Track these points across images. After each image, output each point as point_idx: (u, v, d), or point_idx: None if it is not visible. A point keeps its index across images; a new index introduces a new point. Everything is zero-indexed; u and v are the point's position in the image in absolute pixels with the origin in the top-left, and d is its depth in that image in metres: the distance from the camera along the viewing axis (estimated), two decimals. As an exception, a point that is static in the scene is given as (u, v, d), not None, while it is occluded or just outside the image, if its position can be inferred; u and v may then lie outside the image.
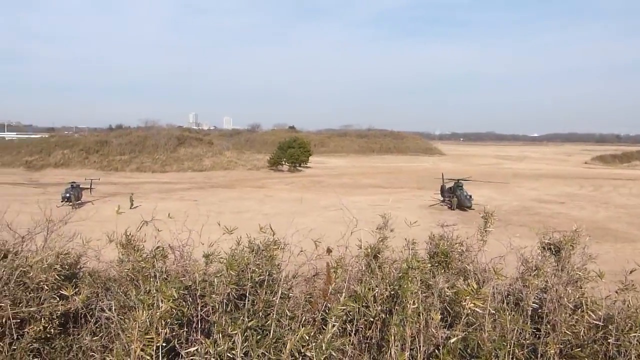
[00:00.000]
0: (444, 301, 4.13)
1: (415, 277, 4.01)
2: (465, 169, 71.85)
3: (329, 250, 4.51)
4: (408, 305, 3.79)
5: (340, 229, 4.74)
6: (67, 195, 37.16)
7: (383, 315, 4.00)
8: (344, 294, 3.95)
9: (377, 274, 4.24)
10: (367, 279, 4.25)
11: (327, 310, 3.91)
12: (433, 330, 3.85)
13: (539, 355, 3.87)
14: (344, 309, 3.74)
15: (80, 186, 40.32)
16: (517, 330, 3.85)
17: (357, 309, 3.91)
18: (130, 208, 33.16)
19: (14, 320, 3.88)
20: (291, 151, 72.28)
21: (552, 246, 4.50)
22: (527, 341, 3.90)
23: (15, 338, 3.86)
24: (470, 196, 38.33)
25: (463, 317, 3.79)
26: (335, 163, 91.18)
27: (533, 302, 4.09)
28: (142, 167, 68.87)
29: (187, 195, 44.35)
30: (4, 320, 3.87)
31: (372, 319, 3.93)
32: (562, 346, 3.90)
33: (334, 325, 3.51)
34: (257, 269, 4.19)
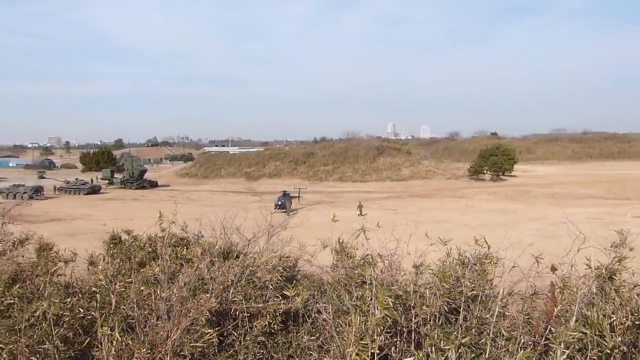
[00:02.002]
0: None
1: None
2: None
3: (553, 269, 4.06)
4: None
5: (552, 243, 4.26)
6: (280, 202, 41.08)
7: (624, 348, 3.44)
8: (573, 319, 3.51)
9: (614, 299, 3.67)
10: (601, 303, 3.72)
11: (550, 335, 3.52)
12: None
13: None
14: (573, 336, 3.32)
15: (290, 195, 44.25)
16: None
17: (590, 338, 3.43)
18: (359, 215, 34.97)
19: (246, 314, 4.35)
20: (493, 159, 68.67)
21: None
22: None
23: (246, 330, 4.32)
24: None
25: None
26: (543, 171, 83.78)
27: None
28: (344, 176, 72.50)
29: (385, 205, 45.24)
30: (237, 313, 4.37)
31: (608, 351, 3.41)
32: None
33: (563, 352, 3.13)
34: (469, 283, 3.99)
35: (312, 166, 76.93)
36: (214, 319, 4.24)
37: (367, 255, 4.72)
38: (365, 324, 3.37)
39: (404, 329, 3.92)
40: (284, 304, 4.42)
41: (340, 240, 4.68)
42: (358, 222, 5.32)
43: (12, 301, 4.59)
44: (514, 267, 4.37)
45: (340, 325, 3.81)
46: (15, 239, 6.24)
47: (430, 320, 3.89)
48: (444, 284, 3.82)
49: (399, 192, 58.54)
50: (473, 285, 4.03)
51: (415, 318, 3.92)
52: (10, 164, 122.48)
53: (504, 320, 3.92)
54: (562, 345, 3.19)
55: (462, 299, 3.89)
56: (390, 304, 3.40)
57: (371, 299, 3.63)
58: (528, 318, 3.98)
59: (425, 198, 51.08)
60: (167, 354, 3.79)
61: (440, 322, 3.90)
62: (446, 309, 3.93)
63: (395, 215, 34.91)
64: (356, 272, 4.31)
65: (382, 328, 3.39)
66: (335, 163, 76.67)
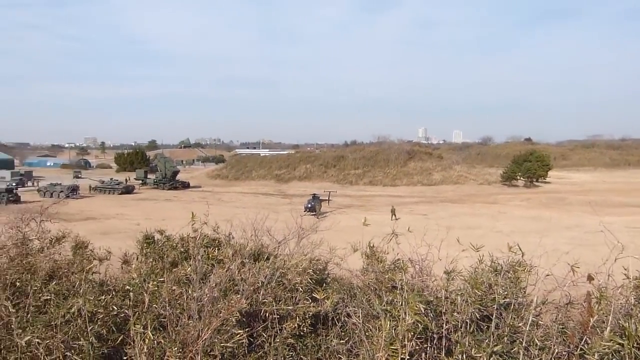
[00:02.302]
0: None
1: None
2: None
3: (590, 278, 3.95)
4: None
5: (587, 252, 4.15)
6: (309, 205, 41.21)
7: (663, 362, 3.32)
8: (607, 329, 3.41)
9: (654, 311, 3.55)
10: (639, 315, 3.60)
11: (585, 346, 3.43)
12: None
13: None
14: (609, 347, 3.22)
15: (320, 198, 44.32)
16: None
17: (627, 350, 3.33)
18: (391, 220, 34.80)
19: (276, 316, 4.37)
20: (527, 165, 67.26)
21: None
22: None
23: (276, 332, 4.34)
24: None
25: None
26: (579, 178, 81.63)
27: None
28: (374, 180, 72.21)
29: (416, 209, 44.86)
30: (267, 315, 4.40)
31: (647, 364, 3.30)
32: None
33: (597, 364, 3.05)
34: (502, 291, 3.92)
35: (342, 169, 76.86)
36: (244, 319, 4.28)
37: (398, 259, 4.69)
38: (395, 329, 3.35)
39: (435, 335, 3.88)
40: (313, 306, 4.43)
41: (371, 244, 4.66)
42: (389, 226, 5.29)
43: (48, 297, 4.73)
44: (548, 275, 4.28)
45: (370, 330, 3.80)
46: (52, 237, 6.44)
47: (461, 327, 3.83)
48: (476, 291, 3.76)
49: (430, 197, 57.95)
50: (506, 292, 3.96)
51: (446, 324, 3.87)
52: (48, 164, 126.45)
53: (537, 329, 3.83)
54: (597, 357, 3.10)
55: (495, 306, 3.83)
56: (422, 309, 3.37)
57: (402, 304, 3.60)
58: (562, 328, 3.88)
59: (456, 203, 50.43)
60: (197, 353, 3.84)
61: (471, 329, 3.84)
62: (478, 316, 3.87)
63: (426, 220, 34.58)
64: (386, 276, 4.29)
65: (412, 334, 3.36)
66: (366, 167, 76.42)
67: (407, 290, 3.89)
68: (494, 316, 3.82)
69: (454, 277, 4.21)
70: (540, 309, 4.12)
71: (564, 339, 3.77)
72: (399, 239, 4.98)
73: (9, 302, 4.47)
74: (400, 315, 3.41)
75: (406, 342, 3.31)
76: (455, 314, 3.86)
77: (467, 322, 3.84)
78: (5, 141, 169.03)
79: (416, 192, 63.69)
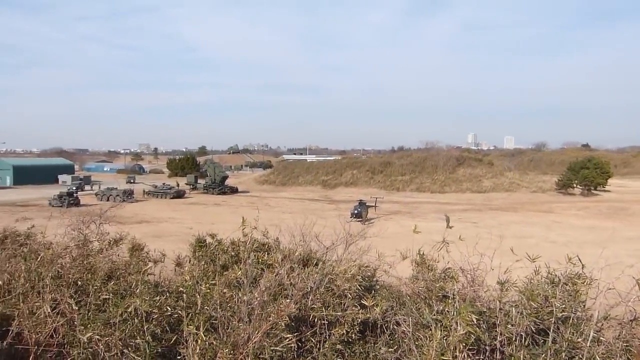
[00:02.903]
0: None
1: None
2: None
3: (657, 293, 3.74)
4: None
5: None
6: (356, 211, 41.05)
7: None
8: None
9: None
10: None
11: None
12: None
13: None
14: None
15: (367, 204, 44.09)
16: None
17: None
18: (447, 227, 34.24)
19: (324, 322, 4.37)
20: (585, 172, 64.49)
21: None
22: None
23: (324, 337, 4.34)
24: None
25: None
26: (641, 187, 77.60)
27: None
28: (422, 187, 71.17)
29: (465, 217, 43.88)
30: (315, 320, 4.41)
31: None
32: None
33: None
34: (559, 304, 3.77)
35: (389, 175, 76.24)
36: (293, 324, 4.30)
37: (449, 268, 4.60)
38: (446, 339, 3.28)
39: (487, 347, 3.77)
40: (362, 313, 4.39)
41: (421, 252, 4.58)
42: (438, 233, 5.21)
43: (107, 296, 4.92)
44: (610, 289, 4.07)
45: (420, 339, 3.73)
46: (111, 239, 6.72)
47: (515, 340, 3.71)
48: (532, 303, 3.63)
49: (479, 204, 56.58)
50: (564, 305, 3.80)
51: (499, 337, 3.75)
52: (105, 169, 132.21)
53: (598, 345, 3.65)
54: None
55: (552, 319, 3.68)
56: (474, 320, 3.28)
57: (453, 314, 3.52)
58: (627, 346, 3.68)
59: (507, 211, 48.99)
60: (248, 356, 3.89)
61: (526, 342, 3.71)
62: (533, 329, 3.74)
63: (476, 229, 33.77)
64: (437, 285, 4.21)
65: (464, 345, 3.28)
66: (413, 173, 75.49)
67: (458, 300, 3.80)
68: (551, 330, 3.68)
69: (507, 288, 4.08)
70: (602, 325, 3.93)
71: (628, 358, 3.58)
72: (448, 248, 4.88)
73: (72, 300, 4.69)
74: (451, 325, 3.33)
75: (458, 353, 3.23)
76: (509, 326, 3.74)
77: (521, 335, 3.71)
78: (66, 147, 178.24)
79: (465, 199, 62.35)
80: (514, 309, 3.75)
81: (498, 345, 3.77)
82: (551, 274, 4.17)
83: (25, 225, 8.52)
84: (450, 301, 3.89)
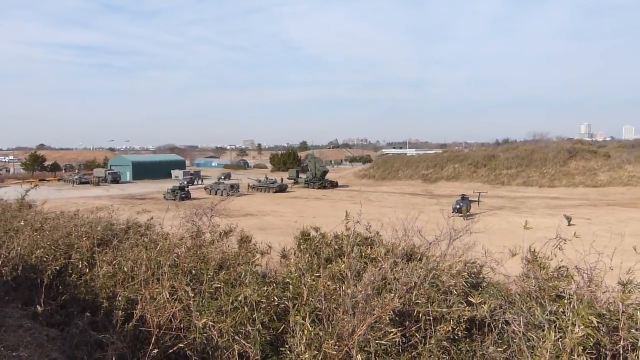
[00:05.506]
0: None
1: None
2: None
3: None
4: None
5: None
6: (458, 206, 39.84)
7: None
8: None
9: None
10: None
11: None
12: None
13: None
14: None
15: (469, 199, 42.61)
16: None
17: None
18: (568, 225, 32.47)
19: (429, 317, 4.32)
20: None
21: None
22: None
23: (429, 333, 4.30)
24: None
25: None
26: None
27: None
28: (529, 181, 67.28)
29: (578, 213, 40.78)
30: (420, 316, 4.37)
31: None
32: None
33: None
34: (694, 309, 3.42)
35: (493, 169, 72.97)
36: (397, 319, 4.31)
37: (562, 267, 4.34)
38: (562, 341, 3.11)
39: (608, 352, 3.51)
40: (468, 310, 4.28)
41: (532, 249, 4.37)
42: (549, 230, 4.92)
43: (219, 285, 5.26)
44: None
45: (532, 340, 3.58)
46: (221, 231, 7.14)
47: (640, 346, 3.42)
48: (660, 307, 3.32)
49: (594, 199, 52.33)
50: (701, 311, 3.44)
51: (622, 342, 3.49)
52: (213, 164, 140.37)
53: None
54: None
55: (684, 325, 3.35)
56: (594, 322, 3.08)
57: (569, 315, 3.33)
58: None
59: (627, 207, 44.85)
60: (353, 347, 3.97)
61: (654, 349, 3.41)
62: (662, 335, 3.43)
63: (589, 225, 31.34)
64: (550, 284, 3.99)
65: (582, 348, 3.09)
66: (520, 166, 71.51)
67: (575, 300, 3.59)
68: (683, 337, 3.35)
69: (630, 290, 3.77)
70: None
71: None
72: (562, 245, 4.60)
73: (188, 287, 5.07)
74: (567, 327, 3.15)
75: (575, 357, 3.05)
76: (633, 330, 3.46)
77: (649, 341, 3.41)
78: (178, 144, 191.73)
79: (577, 194, 57.99)
80: (638, 312, 3.46)
81: (620, 351, 3.50)
82: (683, 276, 3.79)
83: (145, 217, 9.32)
84: (565, 301, 3.68)
